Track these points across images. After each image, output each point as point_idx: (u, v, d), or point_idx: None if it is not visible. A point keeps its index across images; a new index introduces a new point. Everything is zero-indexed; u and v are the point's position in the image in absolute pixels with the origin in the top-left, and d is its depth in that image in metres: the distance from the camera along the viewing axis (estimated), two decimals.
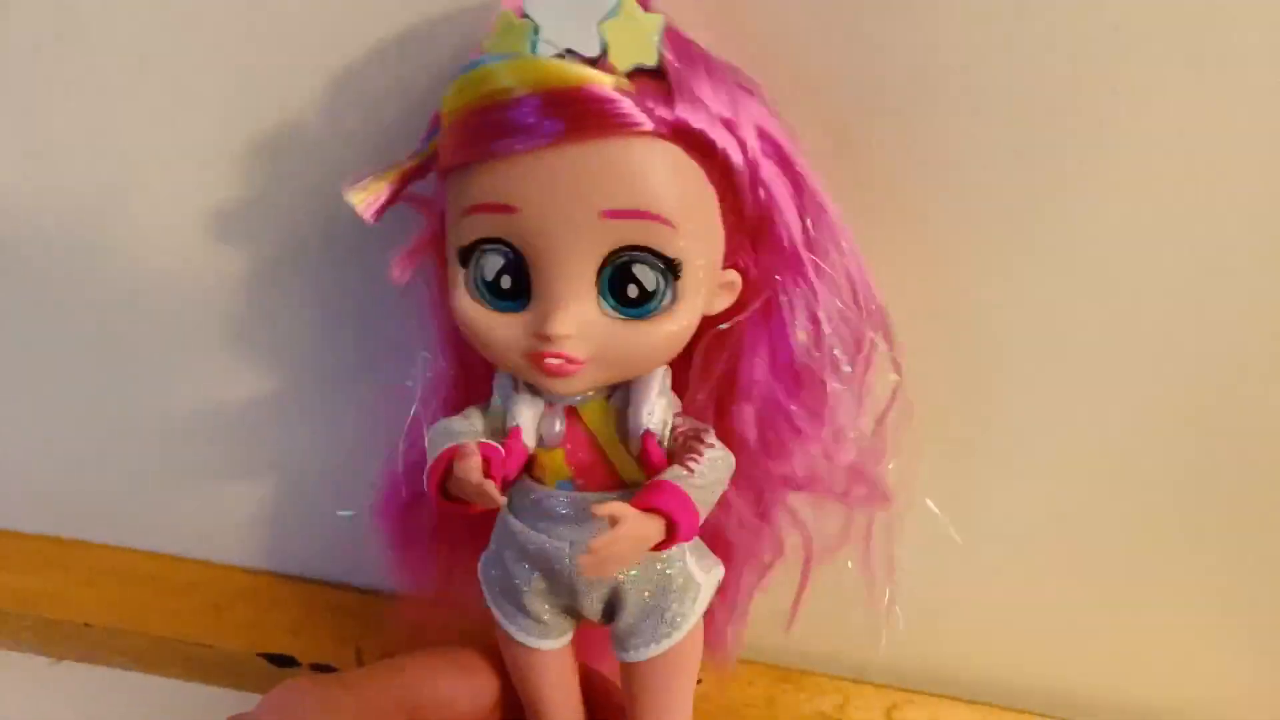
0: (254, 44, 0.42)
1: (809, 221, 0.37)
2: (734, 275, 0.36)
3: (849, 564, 0.45)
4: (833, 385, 0.39)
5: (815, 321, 0.38)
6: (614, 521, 0.31)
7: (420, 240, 0.38)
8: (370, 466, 0.52)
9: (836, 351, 0.38)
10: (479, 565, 0.40)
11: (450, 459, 0.34)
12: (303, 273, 0.48)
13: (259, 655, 0.55)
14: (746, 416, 0.40)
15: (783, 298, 0.37)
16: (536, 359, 0.34)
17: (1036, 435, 0.47)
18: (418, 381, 0.43)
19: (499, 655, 0.41)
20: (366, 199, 0.35)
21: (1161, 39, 0.38)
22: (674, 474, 0.34)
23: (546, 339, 0.33)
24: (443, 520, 0.45)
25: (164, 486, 0.57)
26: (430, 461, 0.36)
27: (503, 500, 0.33)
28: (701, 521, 0.35)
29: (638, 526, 0.32)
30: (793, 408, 0.39)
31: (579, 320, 0.33)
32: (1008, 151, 0.40)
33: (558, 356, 0.33)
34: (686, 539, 0.34)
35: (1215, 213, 0.41)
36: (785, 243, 0.36)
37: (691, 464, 0.34)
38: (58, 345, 0.53)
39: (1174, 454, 0.47)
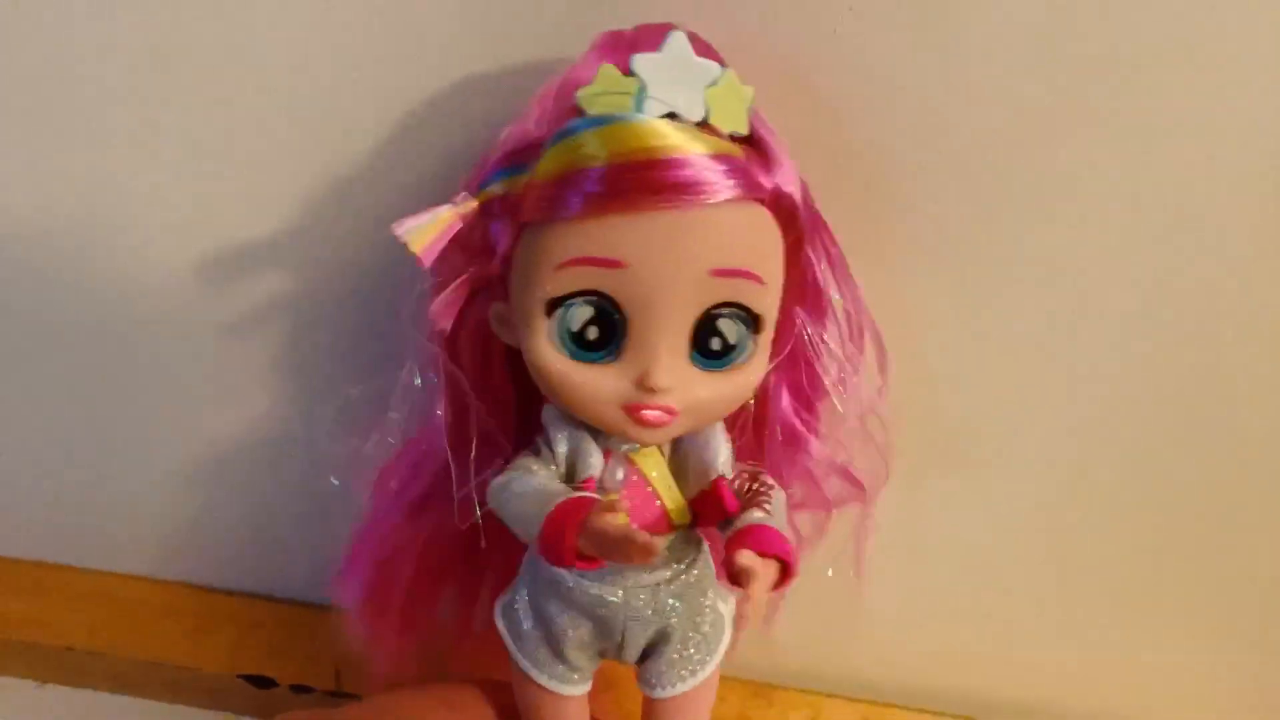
0: (293, 93, 0.44)
1: (826, 264, 0.39)
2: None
3: (829, 574, 0.46)
4: (831, 393, 0.41)
5: (835, 358, 0.40)
6: (750, 575, 0.31)
7: (460, 285, 0.37)
8: (353, 495, 0.53)
9: (850, 386, 0.41)
10: (498, 613, 0.40)
11: (581, 514, 0.33)
12: (290, 310, 0.49)
13: (239, 677, 0.56)
14: (767, 448, 0.41)
15: (806, 338, 0.39)
16: (634, 410, 0.34)
17: (1012, 450, 0.48)
18: (420, 419, 0.43)
19: (489, 693, 0.42)
20: (425, 241, 0.35)
21: (1131, 64, 0.39)
22: (762, 518, 0.35)
23: (649, 391, 0.34)
24: (418, 569, 0.44)
25: (146, 511, 0.58)
26: (544, 519, 0.34)
27: (659, 549, 0.32)
28: None
29: (769, 573, 0.33)
30: (808, 439, 0.41)
31: (675, 372, 0.34)
32: (977, 178, 0.42)
33: (658, 408, 0.34)
34: (794, 578, 0.35)
35: (1193, 236, 0.42)
36: (814, 289, 0.38)
37: (768, 505, 0.35)
38: (47, 372, 0.54)
39: (1144, 472, 0.48)
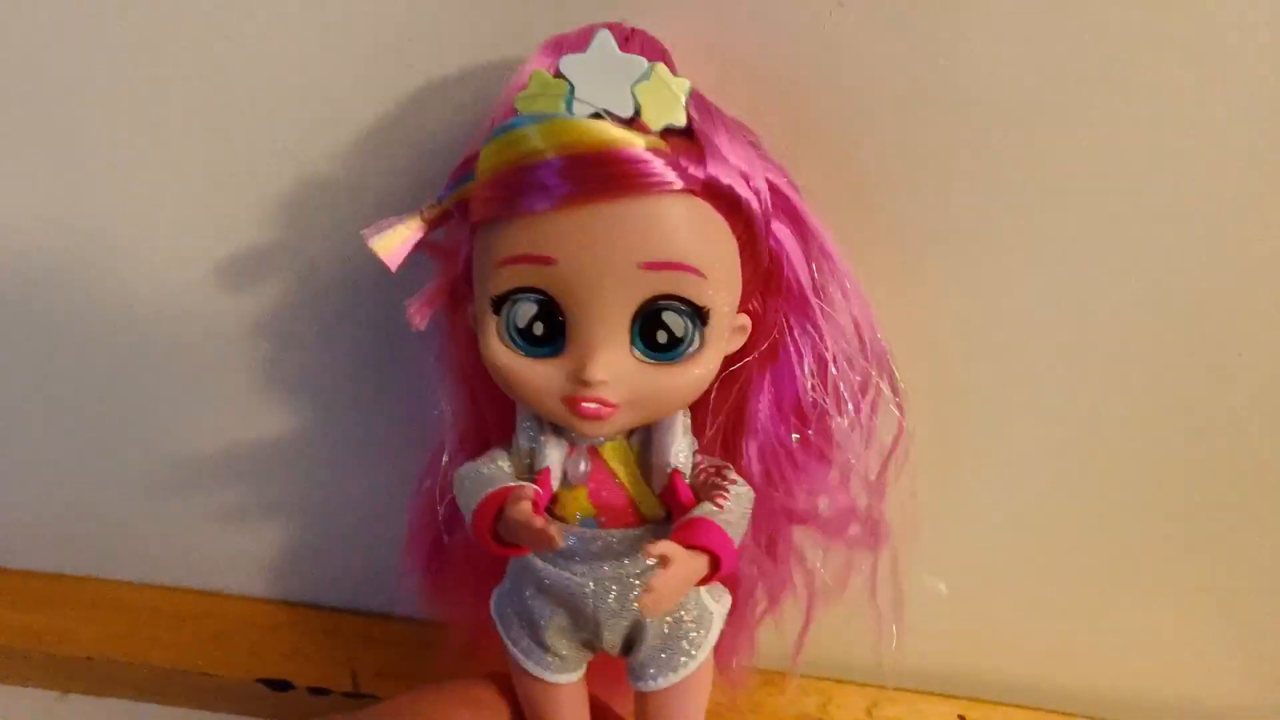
0: (279, 95, 0.44)
1: (815, 266, 0.38)
2: (745, 319, 0.38)
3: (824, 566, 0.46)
4: (839, 427, 0.40)
5: (820, 361, 0.39)
6: (665, 561, 0.32)
7: (436, 286, 0.39)
8: (363, 497, 0.54)
9: (843, 391, 0.40)
10: (492, 602, 0.41)
11: (499, 503, 0.35)
12: (298, 314, 0.50)
13: (258, 681, 0.56)
14: (751, 452, 0.41)
15: (789, 339, 0.39)
16: (573, 403, 0.35)
17: (1013, 437, 0.49)
18: (425, 419, 0.44)
19: (508, 687, 0.42)
20: (390, 247, 0.36)
21: (1130, 55, 0.39)
22: (708, 511, 0.35)
23: (584, 384, 0.34)
24: (473, 551, 0.45)
25: (160, 520, 0.58)
26: (474, 507, 0.36)
27: (563, 542, 0.34)
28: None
29: (687, 564, 0.33)
30: (795, 444, 0.41)
31: (613, 366, 0.34)
32: (977, 166, 0.42)
33: (594, 401, 0.35)
34: (728, 573, 0.35)
35: (1192, 218, 0.42)
36: (793, 287, 0.38)
37: (720, 500, 0.35)
38: (61, 385, 0.55)
39: (1149, 458, 0.48)
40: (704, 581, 0.34)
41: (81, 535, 0.61)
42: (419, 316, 0.38)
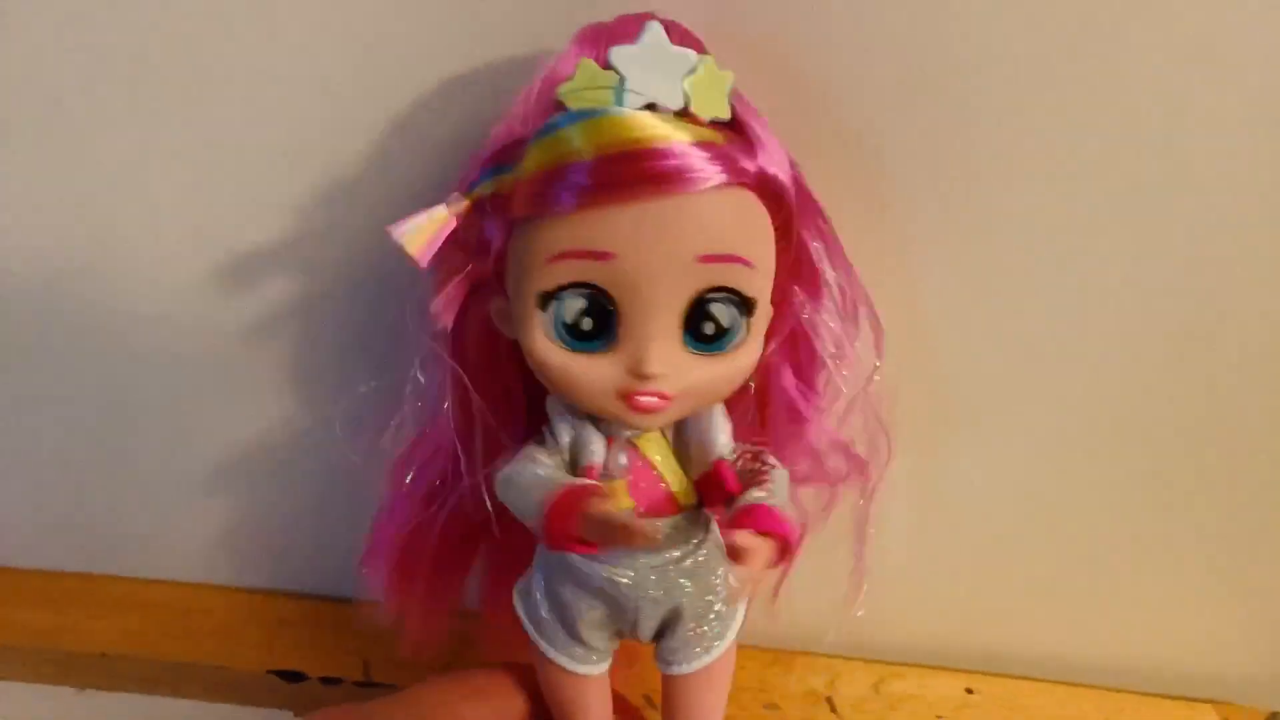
0: (291, 92, 0.44)
1: (821, 246, 0.39)
2: (769, 306, 0.38)
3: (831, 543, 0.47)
4: (826, 366, 0.41)
5: (833, 336, 0.40)
6: (743, 553, 0.32)
7: (460, 283, 0.38)
8: (371, 490, 0.54)
9: (843, 373, 0.41)
10: (516, 597, 0.41)
11: (577, 502, 0.34)
12: (303, 311, 0.50)
13: (270, 673, 0.57)
14: (771, 424, 0.42)
15: (805, 318, 0.40)
16: (629, 397, 0.35)
17: (1012, 412, 0.49)
18: (431, 414, 0.44)
19: (517, 677, 0.43)
20: (419, 243, 0.35)
21: (1129, 42, 0.39)
22: (762, 497, 0.35)
23: (642, 378, 0.34)
24: (442, 545, 0.45)
25: (170, 516, 0.59)
26: (544, 507, 0.35)
27: (660, 534, 0.34)
28: None
29: (765, 552, 0.33)
30: (802, 405, 0.42)
31: (668, 359, 0.35)
32: (984, 160, 0.42)
33: (651, 394, 0.35)
34: (794, 555, 0.36)
35: (1177, 202, 0.42)
36: (810, 268, 0.39)
37: (769, 485, 0.36)
38: (66, 383, 0.55)
39: (1152, 433, 0.49)
40: (774, 565, 0.35)
41: (93, 534, 0.61)
42: (445, 315, 0.38)
